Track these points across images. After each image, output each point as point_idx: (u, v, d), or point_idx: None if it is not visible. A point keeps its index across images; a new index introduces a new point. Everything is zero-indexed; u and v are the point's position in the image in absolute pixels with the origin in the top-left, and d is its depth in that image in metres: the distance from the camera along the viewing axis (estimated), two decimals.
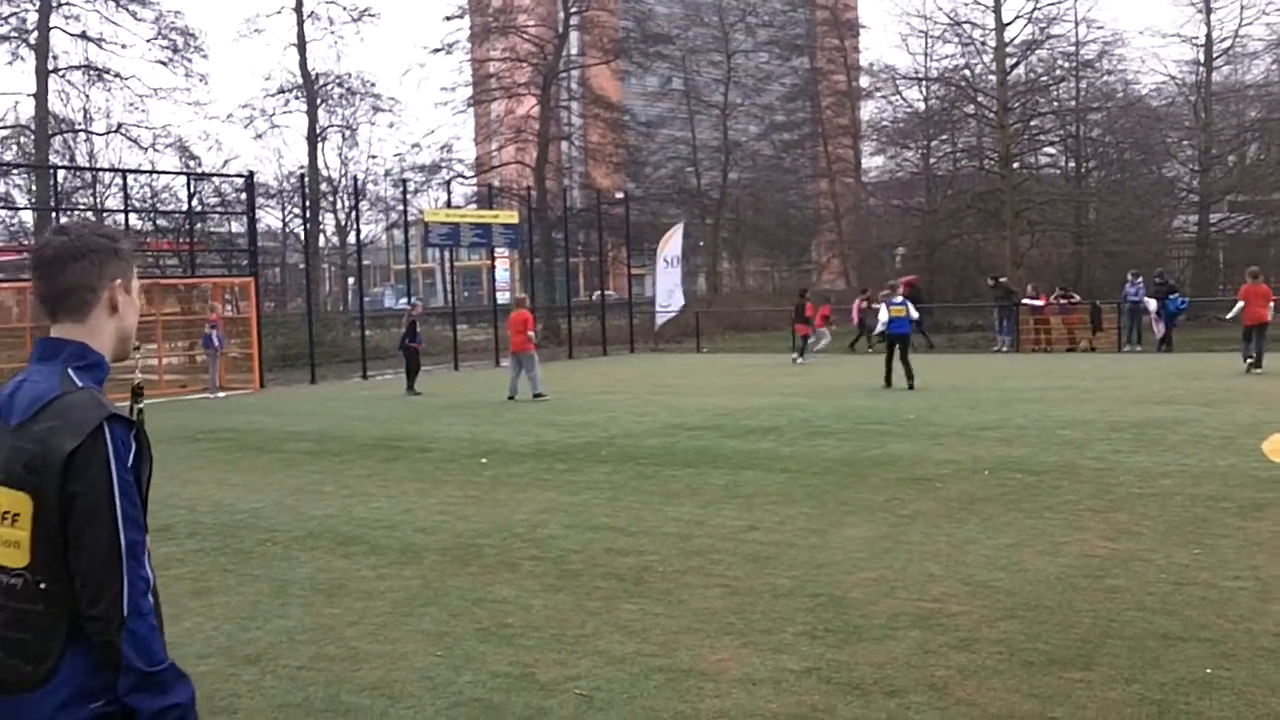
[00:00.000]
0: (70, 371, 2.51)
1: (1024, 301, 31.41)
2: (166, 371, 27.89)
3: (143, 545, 2.44)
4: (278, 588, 7.73)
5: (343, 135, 47.11)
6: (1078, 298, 32.23)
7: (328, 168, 47.51)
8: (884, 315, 20.82)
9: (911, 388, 19.68)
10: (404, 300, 46.52)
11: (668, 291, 37.71)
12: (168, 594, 7.58)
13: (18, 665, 2.42)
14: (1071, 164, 43.96)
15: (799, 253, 61.10)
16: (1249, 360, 21.58)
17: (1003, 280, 33.23)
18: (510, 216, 34.16)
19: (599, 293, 40.11)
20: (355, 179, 41.19)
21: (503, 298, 40.77)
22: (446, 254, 38.29)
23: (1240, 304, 22.20)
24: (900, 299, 20.72)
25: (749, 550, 8.33)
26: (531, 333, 21.47)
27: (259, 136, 72.11)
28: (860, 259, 50.46)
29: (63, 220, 2.75)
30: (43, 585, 2.42)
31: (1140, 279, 30.41)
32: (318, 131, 42.83)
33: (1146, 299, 29.28)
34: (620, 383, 24.22)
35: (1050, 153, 44.91)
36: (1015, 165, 39.75)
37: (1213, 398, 17.16)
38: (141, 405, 2.74)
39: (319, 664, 6.08)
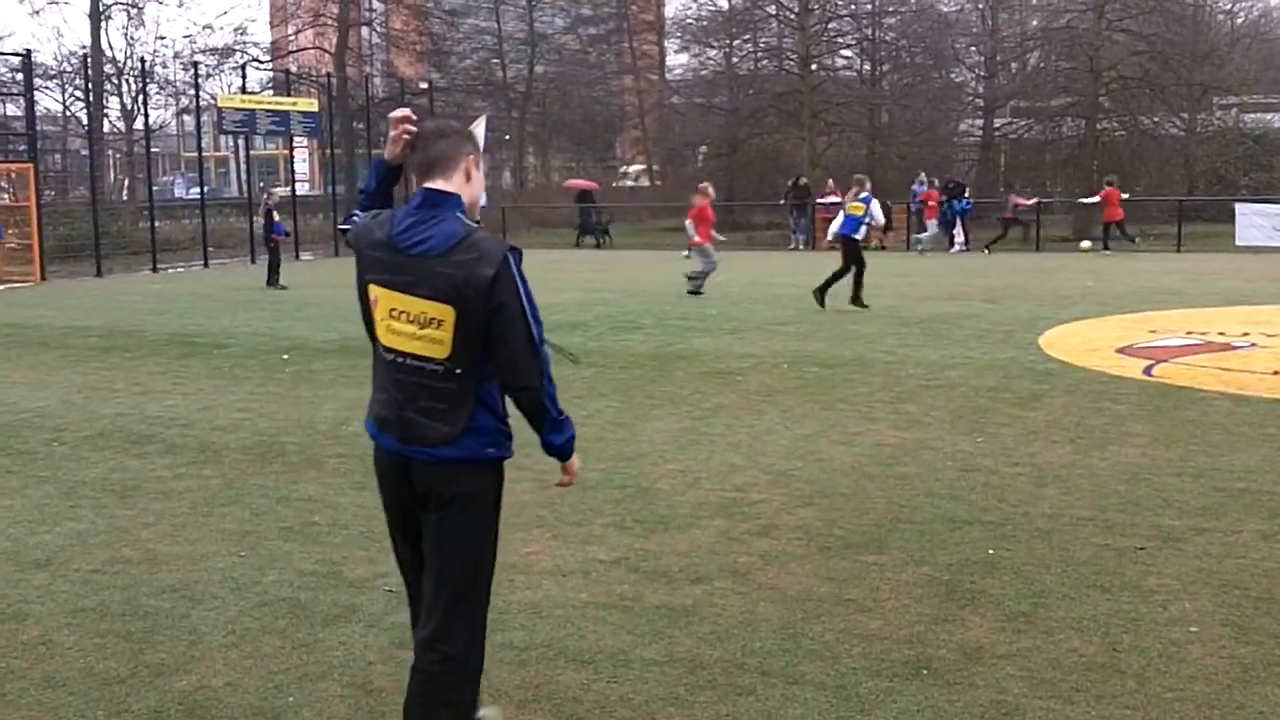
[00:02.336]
0: (460, 216, 3.46)
1: (820, 200, 32.14)
2: None
3: (541, 334, 3.46)
4: (67, 489, 7.43)
5: (128, 14, 44.52)
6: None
7: (112, 48, 44.82)
8: (877, 213, 17.26)
9: (822, 305, 16.34)
10: (194, 190, 44.56)
11: None
12: None
13: (438, 427, 3.43)
14: (867, 67, 44.90)
15: (605, 149, 60.91)
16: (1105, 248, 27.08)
17: (804, 182, 33.92)
18: (309, 104, 32.92)
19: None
20: (142, 60, 38.85)
21: (302, 189, 39.43)
22: (242, 142, 36.77)
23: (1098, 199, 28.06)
24: (865, 195, 16.71)
25: None
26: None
27: (36, 13, 67.32)
28: (664, 157, 50.66)
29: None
30: (458, 371, 3.40)
31: (930, 180, 31.49)
32: (101, 9, 40.16)
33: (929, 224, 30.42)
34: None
35: (847, 55, 45.73)
36: (814, 67, 40.36)
37: (994, 295, 18.04)
38: None
39: (114, 567, 5.89)
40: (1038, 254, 27.23)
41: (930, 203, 30.55)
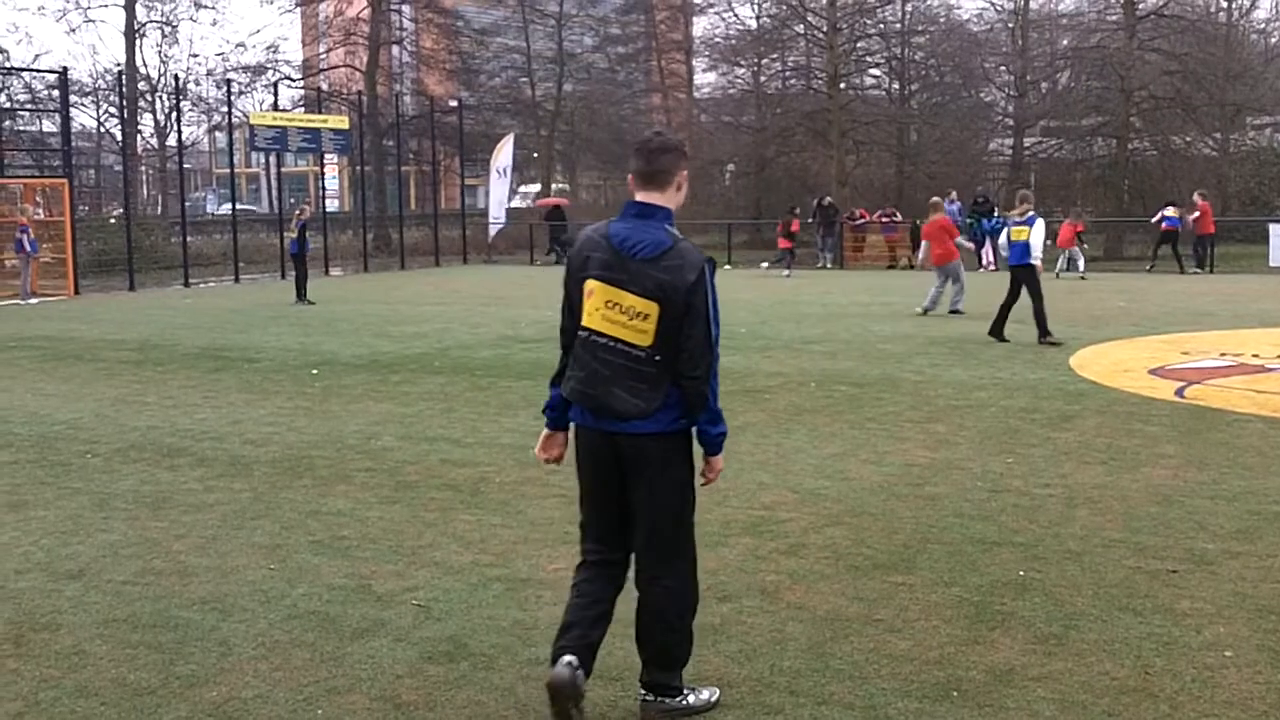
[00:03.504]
0: (668, 228, 4.08)
1: (849, 219, 32.12)
2: None
3: (718, 336, 4.09)
4: (99, 501, 7.48)
5: (162, 32, 44.87)
6: (900, 217, 33.11)
7: (146, 66, 45.24)
8: (1040, 237, 14.82)
9: (1001, 337, 14.75)
10: (226, 206, 44.89)
11: (499, 203, 37.32)
12: None
13: (638, 403, 4.03)
14: (896, 86, 44.86)
15: None
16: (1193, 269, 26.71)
17: (828, 201, 33.88)
18: (340, 122, 33.16)
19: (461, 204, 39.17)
20: (176, 78, 39.24)
21: (331, 205, 39.67)
22: (273, 159, 37.04)
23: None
24: (1031, 215, 14.87)
25: None
26: (960, 239, 18.92)
27: (72, 31, 68.14)
28: (692, 175, 50.61)
29: (657, 129, 4.52)
30: (657, 357, 4.02)
31: (958, 200, 31.38)
32: (136, 27, 40.63)
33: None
34: (453, 294, 23.95)
35: (876, 74, 45.72)
36: (842, 85, 40.36)
37: (1024, 314, 17.92)
38: None
39: (145, 578, 5.93)
40: (1068, 273, 27.04)
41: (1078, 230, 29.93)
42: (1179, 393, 11.04)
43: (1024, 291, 14.63)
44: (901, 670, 4.67)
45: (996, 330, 14.75)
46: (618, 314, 4.03)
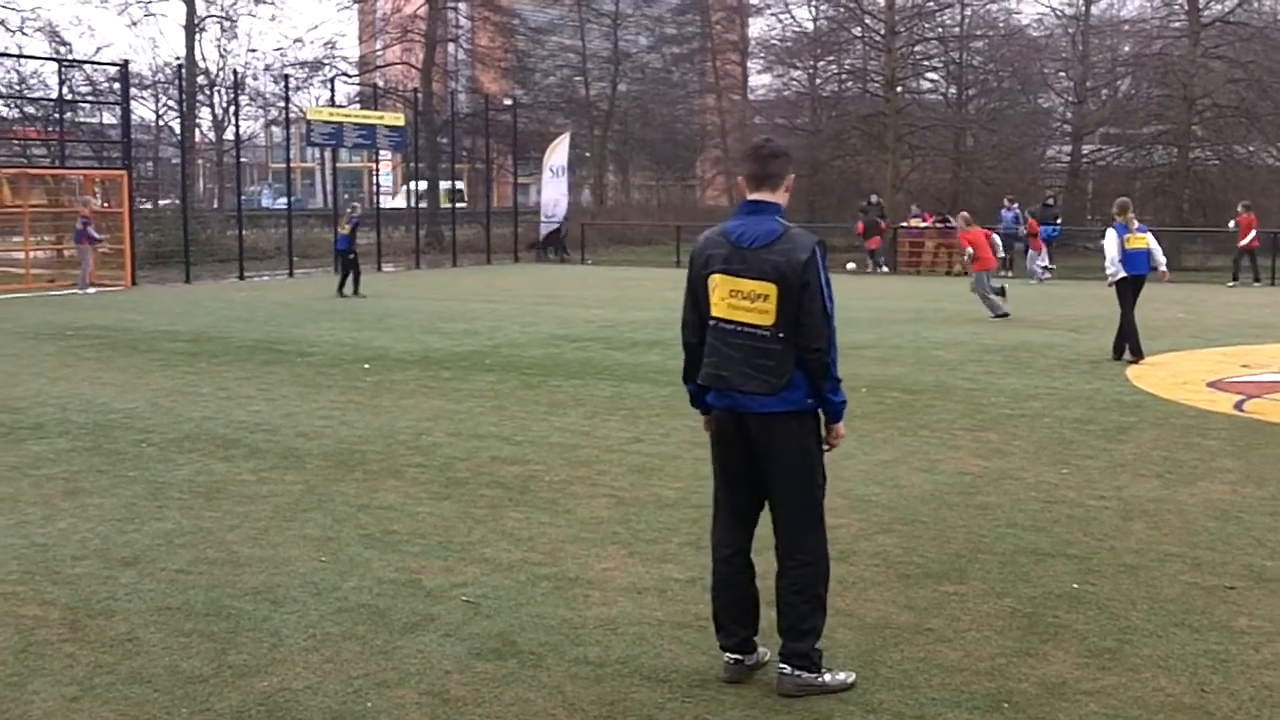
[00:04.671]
0: (779, 219, 4.53)
1: (904, 224, 31.85)
2: (33, 265, 26.80)
3: (834, 311, 4.47)
4: (154, 490, 7.57)
5: (222, 26, 45.41)
6: (954, 222, 32.75)
7: (205, 60, 45.84)
8: (1112, 249, 13.69)
9: (1137, 357, 13.65)
10: (281, 200, 45.33)
11: (553, 202, 37.39)
12: (39, 494, 7.41)
13: (766, 380, 4.40)
14: (953, 90, 44.50)
15: (684, 168, 61.01)
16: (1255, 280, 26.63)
17: (875, 200, 33.58)
18: (396, 118, 33.38)
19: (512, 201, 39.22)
20: (235, 72, 39.68)
21: (385, 201, 39.92)
22: (328, 154, 37.36)
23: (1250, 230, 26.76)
24: (1140, 225, 13.95)
25: (634, 461, 8.41)
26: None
27: (134, 24, 69.09)
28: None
29: (766, 135, 5.82)
30: (780, 335, 4.39)
31: (1016, 205, 31.03)
32: (196, 21, 41.15)
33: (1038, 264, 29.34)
34: (505, 292, 24.04)
35: (933, 78, 45.35)
36: (899, 89, 40.05)
37: (1080, 324, 17.73)
38: None
39: (199, 567, 5.99)
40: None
41: (1035, 233, 29.58)
42: (1238, 406, 10.87)
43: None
44: (952, 680, 4.62)
45: (1135, 350, 13.65)
46: (739, 300, 4.43)
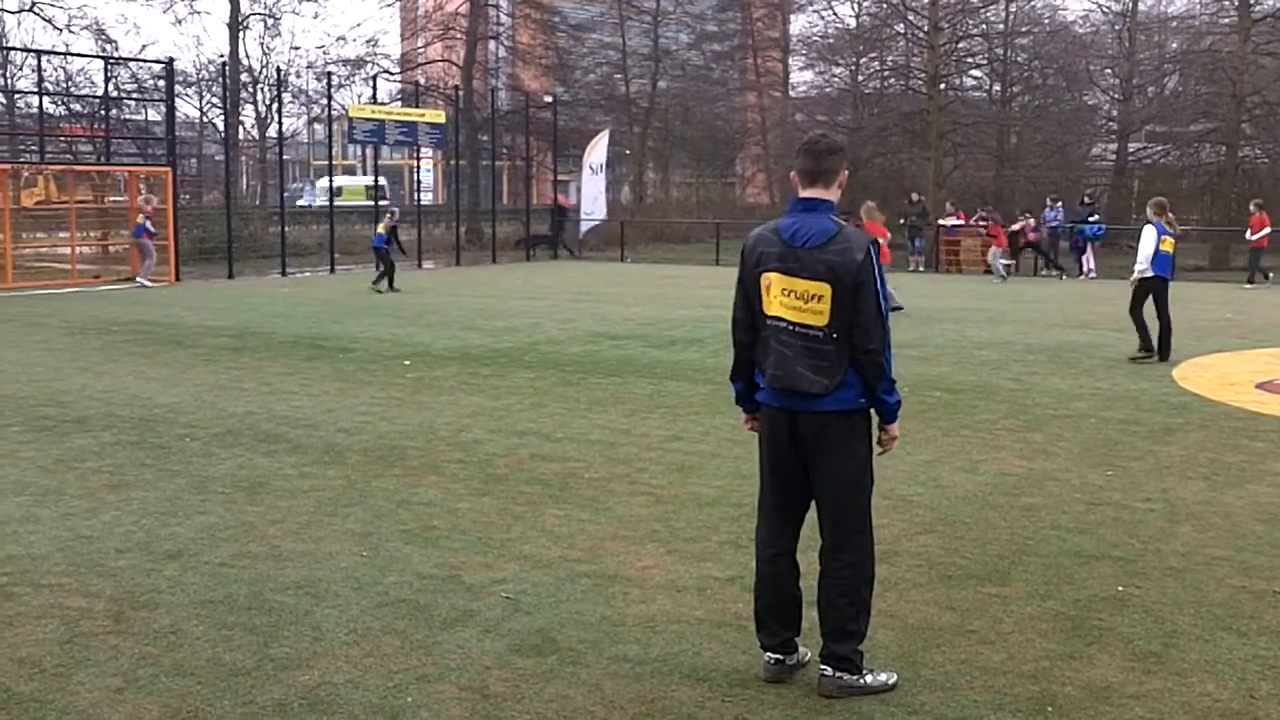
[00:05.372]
0: (833, 217, 4.44)
1: (940, 222, 31.62)
2: (79, 261, 27.12)
3: (888, 311, 4.40)
4: (198, 484, 7.63)
5: (265, 24, 45.82)
6: (999, 220, 32.50)
7: (249, 57, 46.14)
8: (1148, 247, 13.60)
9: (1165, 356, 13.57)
10: (324, 197, 45.58)
11: (592, 199, 37.41)
12: (84, 487, 7.48)
13: (820, 380, 4.36)
14: (997, 88, 44.16)
15: (725, 166, 60.90)
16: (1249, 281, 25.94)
17: (918, 198, 33.38)
18: (437, 116, 33.51)
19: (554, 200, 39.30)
20: (278, 70, 39.96)
21: (426, 198, 40.12)
22: (369, 151, 37.57)
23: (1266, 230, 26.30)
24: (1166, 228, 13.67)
25: (674, 459, 8.39)
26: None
27: (178, 22, 69.74)
28: (784, 174, 50.46)
29: (820, 131, 5.44)
30: (834, 335, 4.35)
31: (1060, 203, 30.76)
32: (239, 19, 41.46)
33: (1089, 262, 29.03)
34: (544, 289, 24.08)
35: (977, 75, 45.04)
36: (942, 86, 39.80)
37: (1125, 324, 17.50)
38: None
39: (241, 561, 6.03)
40: (1171, 283, 26.33)
41: (996, 234, 29.20)
42: None
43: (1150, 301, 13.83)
44: (995, 683, 4.58)
45: (1146, 346, 13.67)
46: (794, 299, 4.40)
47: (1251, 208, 27.52)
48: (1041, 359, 13.72)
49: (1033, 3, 43.10)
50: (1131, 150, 41.01)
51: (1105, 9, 43.38)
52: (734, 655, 4.83)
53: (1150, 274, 13.59)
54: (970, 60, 43.03)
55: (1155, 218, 13.71)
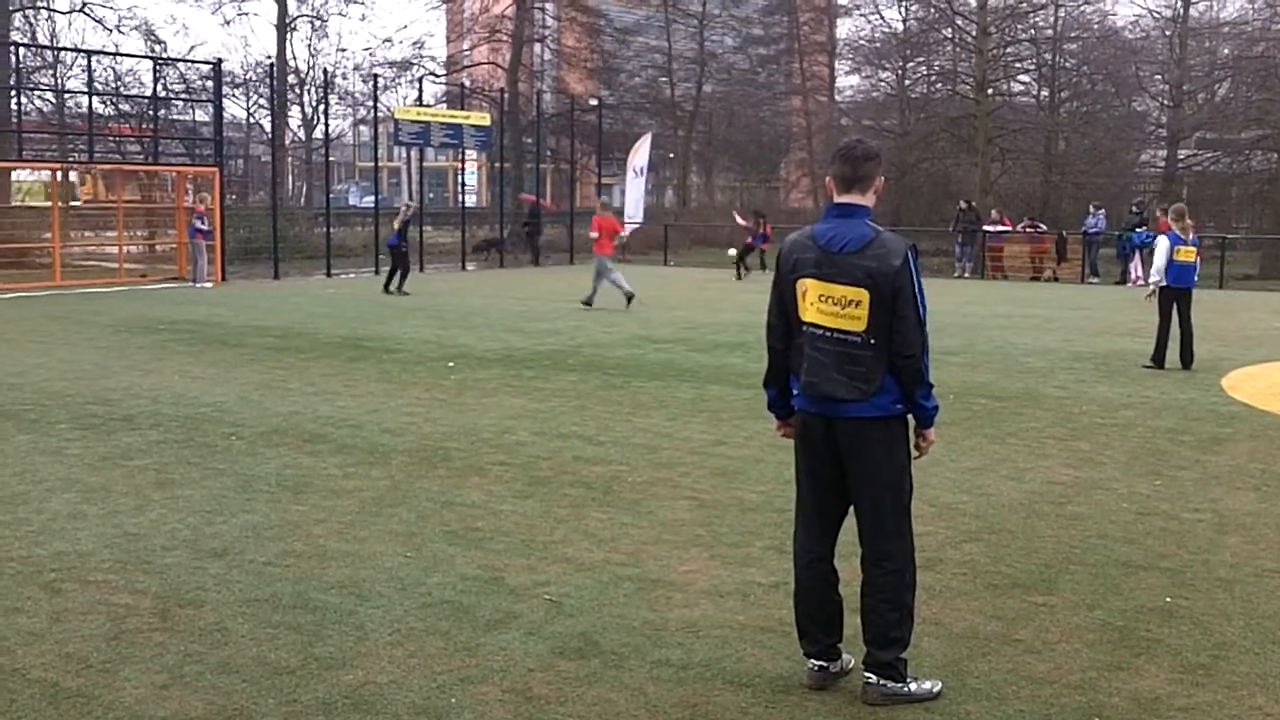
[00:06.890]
0: (869, 223, 4.42)
1: (986, 228, 31.37)
2: (126, 260, 27.45)
3: (926, 317, 4.38)
4: (243, 483, 7.69)
5: (313, 25, 46.21)
6: (1045, 227, 32.25)
7: (296, 59, 46.62)
8: (1162, 257, 13.48)
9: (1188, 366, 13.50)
10: (368, 198, 45.92)
11: (635, 202, 37.42)
12: (130, 484, 7.56)
13: (857, 386, 4.34)
14: (1045, 93, 43.80)
15: (769, 170, 60.77)
16: None
17: (972, 205, 33.15)
18: (482, 118, 33.64)
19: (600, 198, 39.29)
20: (325, 71, 40.32)
21: (470, 200, 40.23)
22: (414, 154, 37.78)
23: None
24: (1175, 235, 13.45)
25: (717, 464, 8.37)
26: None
27: (227, 23, 70.48)
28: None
29: (856, 136, 5.49)
30: (872, 341, 4.32)
31: (1102, 211, 30.44)
32: (287, 20, 41.86)
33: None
34: (587, 292, 24.06)
35: (1025, 80, 44.73)
36: (990, 91, 39.54)
37: (1174, 332, 17.30)
38: None
39: (286, 560, 6.07)
40: (1221, 292, 26.06)
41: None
42: None
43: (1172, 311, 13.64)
44: (1041, 693, 4.53)
45: (1158, 360, 13.52)
46: (831, 305, 4.37)
47: None
48: (1089, 366, 13.58)
49: (1082, 8, 42.66)
50: (1181, 157, 40.52)
51: (1155, 14, 42.98)
52: (777, 661, 4.80)
53: (1165, 283, 13.49)
54: (1018, 65, 42.74)
55: (1173, 225, 13.58)
